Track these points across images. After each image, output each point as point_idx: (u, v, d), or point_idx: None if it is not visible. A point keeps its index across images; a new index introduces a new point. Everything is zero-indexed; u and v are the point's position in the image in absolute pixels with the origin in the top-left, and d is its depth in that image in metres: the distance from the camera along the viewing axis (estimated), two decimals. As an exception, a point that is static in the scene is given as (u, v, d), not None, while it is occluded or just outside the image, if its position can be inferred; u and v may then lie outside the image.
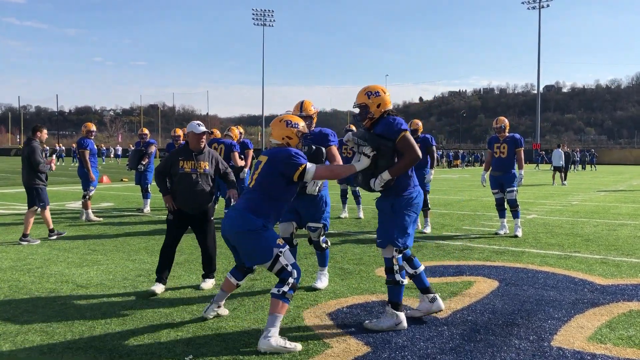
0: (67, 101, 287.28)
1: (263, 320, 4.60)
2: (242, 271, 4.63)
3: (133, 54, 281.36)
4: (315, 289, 5.51)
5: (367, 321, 4.47)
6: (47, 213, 8.64)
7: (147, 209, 12.44)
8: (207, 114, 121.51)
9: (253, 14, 78.88)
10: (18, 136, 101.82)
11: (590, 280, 6.02)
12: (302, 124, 4.47)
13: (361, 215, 11.38)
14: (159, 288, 5.47)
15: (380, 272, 6.37)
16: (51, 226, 8.71)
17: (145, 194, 12.57)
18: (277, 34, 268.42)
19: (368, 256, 7.27)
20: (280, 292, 4.05)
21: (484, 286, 5.72)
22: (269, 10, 79.19)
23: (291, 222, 5.47)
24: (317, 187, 5.19)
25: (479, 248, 7.96)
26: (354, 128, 11.73)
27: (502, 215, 9.33)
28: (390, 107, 4.57)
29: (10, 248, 7.84)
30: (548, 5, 66.66)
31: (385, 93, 4.55)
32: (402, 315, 4.40)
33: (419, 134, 9.53)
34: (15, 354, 3.86)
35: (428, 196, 9.56)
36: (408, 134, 4.36)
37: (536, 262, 6.93)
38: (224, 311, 4.75)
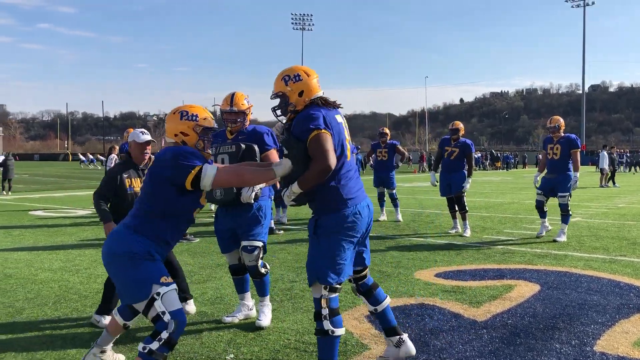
0: (112, 107, 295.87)
1: (302, 321, 4.66)
2: (132, 309, 3.45)
3: (176, 60, 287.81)
4: (260, 328, 4.46)
5: None
6: None
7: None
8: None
9: (292, 19, 79.52)
10: (66, 142, 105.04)
11: (636, 284, 5.87)
12: (204, 115, 3.45)
13: (399, 218, 11.33)
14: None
15: (420, 275, 6.36)
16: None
17: None
18: (316, 37, 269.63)
19: (407, 259, 7.26)
20: (146, 350, 3.04)
21: (525, 290, 5.65)
22: (307, 15, 79.75)
23: (233, 250, 4.64)
24: (253, 193, 4.25)
25: (520, 251, 7.84)
26: (387, 131, 11.53)
27: (542, 215, 9.14)
28: (319, 93, 3.43)
29: (61, 250, 8.15)
30: (593, 3, 64.92)
31: (309, 76, 3.43)
32: None
33: (460, 136, 9.46)
34: (66, 351, 4.03)
35: (465, 199, 9.46)
36: (323, 134, 3.18)
37: (579, 266, 6.79)
38: (109, 356, 3.69)
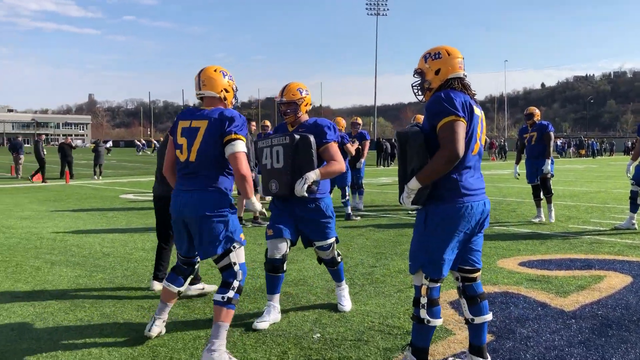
0: (191, 96, 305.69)
1: (385, 305, 4.74)
2: (182, 274, 3.94)
3: (253, 48, 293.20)
4: (343, 311, 4.56)
5: None
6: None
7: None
8: (321, 105, 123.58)
9: (367, 4, 78.89)
10: (149, 129, 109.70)
11: None
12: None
13: None
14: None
15: (503, 263, 6.26)
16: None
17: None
18: (391, 22, 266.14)
19: (488, 247, 7.14)
20: (225, 299, 3.55)
21: (616, 281, 5.44)
22: (382, 0, 78.81)
23: (285, 240, 4.27)
24: (306, 186, 3.99)
25: (609, 242, 7.53)
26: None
27: (633, 209, 8.69)
28: (458, 74, 3.23)
29: (152, 231, 8.61)
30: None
31: (450, 55, 3.24)
32: None
33: (535, 120, 9.30)
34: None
35: (551, 182, 9.23)
36: (458, 121, 3.01)
37: (676, 258, 6.45)
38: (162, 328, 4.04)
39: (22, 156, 21.71)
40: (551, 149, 9.14)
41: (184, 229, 3.75)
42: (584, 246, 7.24)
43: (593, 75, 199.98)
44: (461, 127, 3.01)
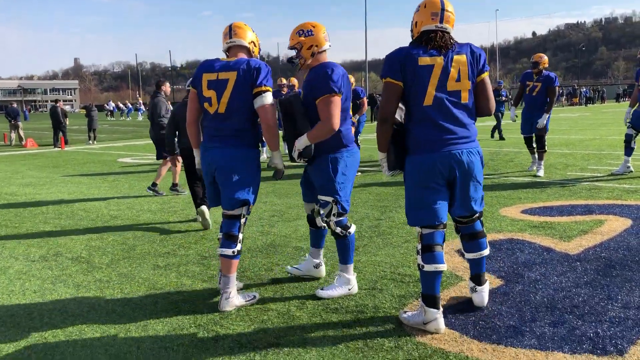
0: (178, 56, 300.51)
1: (394, 255, 4.87)
2: (231, 237, 3.81)
3: (240, 5, 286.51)
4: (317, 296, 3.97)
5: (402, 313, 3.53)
6: (177, 166, 8.46)
7: (264, 156, 13.06)
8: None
9: (354, -44, 76.88)
10: (137, 92, 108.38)
11: None
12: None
13: None
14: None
15: (505, 212, 6.40)
16: (177, 180, 8.60)
17: (264, 143, 13.13)
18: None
19: (490, 197, 7.27)
20: (235, 253, 3.77)
21: (617, 224, 5.59)
22: (370, -49, 76.85)
23: (308, 203, 4.27)
24: (296, 153, 3.81)
25: (607, 187, 7.67)
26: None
27: (628, 153, 8.80)
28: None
29: (152, 193, 8.69)
30: None
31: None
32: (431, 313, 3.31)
33: (542, 69, 9.05)
34: (182, 281, 4.42)
35: (546, 137, 9.14)
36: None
37: (673, 201, 6.60)
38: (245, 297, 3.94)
39: (19, 123, 21.44)
40: (553, 104, 8.99)
41: (214, 183, 3.89)
42: (583, 192, 7.39)
43: (584, 22, 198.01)
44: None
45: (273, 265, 4.73)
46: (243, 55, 3.88)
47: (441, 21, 3.27)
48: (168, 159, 8.46)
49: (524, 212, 6.37)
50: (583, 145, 13.64)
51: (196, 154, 4.04)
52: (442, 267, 3.32)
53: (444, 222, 3.36)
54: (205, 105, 3.83)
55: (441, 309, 3.37)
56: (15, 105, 23.07)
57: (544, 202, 6.89)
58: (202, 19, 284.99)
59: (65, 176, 11.11)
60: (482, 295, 3.67)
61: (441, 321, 3.32)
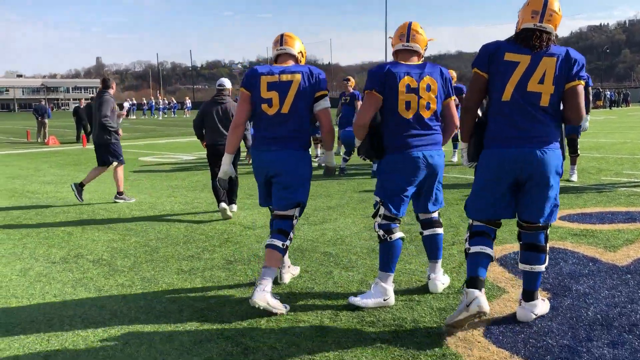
0: (198, 56, 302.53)
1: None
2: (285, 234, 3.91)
3: (261, 6, 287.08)
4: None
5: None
6: (121, 171, 7.99)
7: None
8: (329, 63, 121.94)
9: (375, -44, 76.63)
10: (158, 91, 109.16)
11: None
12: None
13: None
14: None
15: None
16: (121, 189, 7.95)
17: None
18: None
19: (524, 202, 6.96)
20: (284, 246, 3.80)
21: (664, 234, 5.28)
22: (391, -49, 76.50)
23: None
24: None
25: (647, 194, 7.33)
26: None
27: None
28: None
29: (177, 193, 8.53)
30: None
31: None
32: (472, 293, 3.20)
33: None
34: (207, 287, 4.22)
35: (578, 140, 8.79)
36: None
37: None
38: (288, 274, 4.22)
39: (46, 121, 21.45)
40: (589, 104, 8.55)
41: (267, 183, 3.99)
42: (622, 199, 7.05)
43: (607, 24, 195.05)
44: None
45: (302, 272, 4.50)
46: (292, 63, 4.00)
47: (541, 20, 3.19)
48: (115, 164, 7.92)
49: (562, 218, 6.07)
50: (614, 149, 13.22)
51: (228, 159, 4.05)
52: (488, 250, 3.34)
53: (500, 222, 3.42)
54: (264, 106, 3.85)
55: (483, 290, 3.24)
56: (43, 102, 23.15)
57: (581, 208, 6.58)
58: (223, 19, 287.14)
59: (86, 174, 10.99)
60: (528, 313, 3.41)
61: (483, 300, 3.17)
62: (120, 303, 3.94)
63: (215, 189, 6.72)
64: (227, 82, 7.04)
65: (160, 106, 49.86)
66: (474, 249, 3.35)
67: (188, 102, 54.25)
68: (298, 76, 3.83)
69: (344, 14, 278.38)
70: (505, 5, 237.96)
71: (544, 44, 3.17)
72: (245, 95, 3.91)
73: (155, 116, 48.41)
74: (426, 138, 3.66)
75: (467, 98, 3.40)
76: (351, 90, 12.92)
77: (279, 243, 3.77)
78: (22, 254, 5.27)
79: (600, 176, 8.95)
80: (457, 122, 3.83)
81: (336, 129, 14.01)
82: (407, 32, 3.71)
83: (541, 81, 3.16)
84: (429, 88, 3.61)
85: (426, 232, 3.97)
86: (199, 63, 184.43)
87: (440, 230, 3.96)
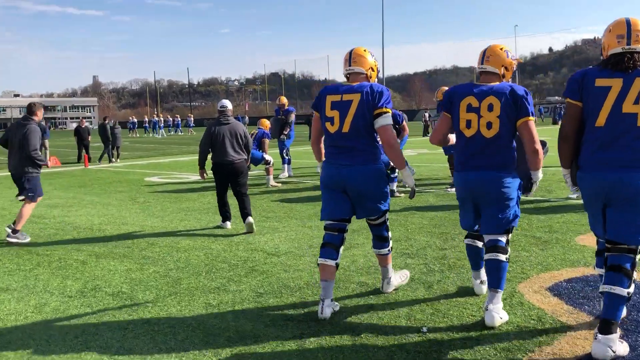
0: (195, 74, 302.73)
1: (475, 293, 4.29)
2: (334, 246, 4.12)
3: (258, 24, 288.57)
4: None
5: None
6: (30, 209, 6.91)
7: (285, 174, 12.64)
8: (326, 79, 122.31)
9: (372, -27, 77.15)
10: (155, 109, 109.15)
11: None
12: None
13: None
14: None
15: (583, 241, 5.79)
16: (19, 226, 6.76)
17: (284, 160, 12.73)
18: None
19: (557, 223, 6.67)
20: (389, 250, 4.36)
21: None
22: (388, -32, 77.06)
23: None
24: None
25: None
26: None
27: None
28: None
29: (190, 216, 8.19)
30: None
31: None
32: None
33: None
34: (241, 325, 3.88)
35: None
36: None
37: None
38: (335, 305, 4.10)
39: (46, 141, 21.07)
40: None
41: (339, 195, 4.08)
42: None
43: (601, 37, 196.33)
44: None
45: (341, 308, 4.16)
46: (363, 81, 4.08)
47: (628, 43, 3.20)
48: (24, 198, 6.85)
49: (604, 241, 5.75)
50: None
51: (320, 167, 4.34)
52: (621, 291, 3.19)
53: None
54: (327, 124, 4.04)
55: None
56: (43, 122, 22.78)
57: (620, 229, 6.26)
58: (220, 36, 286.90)
59: (93, 197, 10.68)
60: (605, 349, 3.10)
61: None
62: (149, 345, 3.60)
63: (223, 207, 7.19)
64: (228, 104, 7.38)
65: (162, 124, 49.53)
66: (598, 270, 3.63)
67: (191, 119, 53.96)
68: (358, 95, 3.92)
69: (343, 31, 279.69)
70: (499, 20, 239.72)
71: (638, 63, 3.16)
72: (315, 116, 4.19)
73: (157, 135, 48.06)
74: None
75: (563, 127, 3.41)
76: None
77: (385, 250, 4.33)
78: (35, 287, 4.93)
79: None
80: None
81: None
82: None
83: (636, 102, 3.12)
84: None
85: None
86: (196, 80, 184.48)
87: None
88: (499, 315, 3.65)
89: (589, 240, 5.79)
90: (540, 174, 3.80)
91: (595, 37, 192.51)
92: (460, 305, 4.09)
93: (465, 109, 3.72)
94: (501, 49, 3.85)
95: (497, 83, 3.75)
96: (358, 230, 6.69)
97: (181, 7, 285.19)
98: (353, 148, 3.95)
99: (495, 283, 3.69)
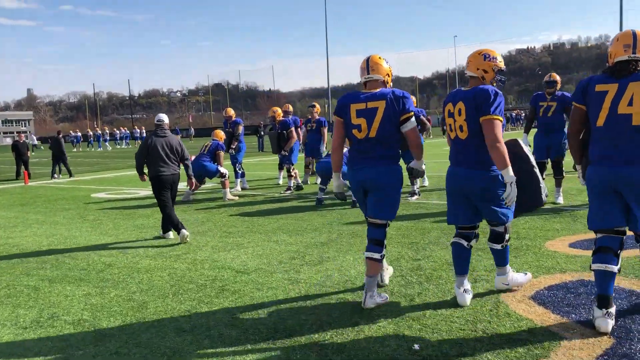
0: (136, 85, 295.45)
1: (455, 303, 4.18)
2: (378, 243, 4.34)
3: (199, 34, 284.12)
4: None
5: None
6: None
7: (238, 188, 12.20)
8: (270, 89, 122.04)
9: (314, -16, 77.75)
10: (95, 122, 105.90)
11: None
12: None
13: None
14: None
15: (552, 246, 5.83)
16: None
17: (237, 174, 12.25)
18: (339, 1, 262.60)
19: (524, 229, 6.70)
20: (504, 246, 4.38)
21: (687, 259, 5.06)
22: (330, -21, 77.80)
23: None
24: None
25: None
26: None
27: None
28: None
29: (146, 233, 7.80)
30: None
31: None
32: None
33: (557, 88, 8.57)
34: (220, 352, 3.62)
35: (563, 161, 8.67)
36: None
37: None
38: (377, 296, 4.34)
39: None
40: None
41: (364, 195, 4.39)
42: (620, 221, 6.88)
43: (534, 47, 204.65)
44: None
45: (327, 325, 3.95)
46: (381, 87, 4.34)
47: (634, 51, 3.57)
48: None
49: (573, 245, 5.80)
50: (578, 168, 13.33)
51: (335, 177, 4.52)
52: (611, 268, 3.58)
53: (617, 229, 3.64)
54: (354, 131, 4.29)
55: (611, 309, 3.56)
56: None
57: (585, 233, 6.34)
58: (161, 47, 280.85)
59: (38, 216, 10.04)
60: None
61: (607, 321, 3.52)
62: (122, 379, 3.29)
63: (169, 218, 7.13)
64: (165, 117, 7.62)
65: (107, 137, 47.86)
66: (595, 266, 3.66)
67: (139, 131, 52.16)
68: (383, 102, 4.20)
69: (286, 41, 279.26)
70: (439, 31, 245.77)
71: (633, 70, 3.55)
72: (339, 122, 4.39)
73: (102, 148, 46.41)
74: None
75: (570, 127, 3.89)
76: (317, 117, 12.58)
77: (377, 256, 4.26)
78: (-17, 319, 4.49)
79: (584, 197, 8.84)
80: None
81: (301, 155, 13.63)
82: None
83: (629, 103, 3.49)
84: None
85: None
86: (137, 92, 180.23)
87: (497, 246, 4.35)
88: (500, 282, 4.44)
89: (558, 246, 5.82)
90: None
91: (528, 47, 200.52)
92: (447, 318, 3.96)
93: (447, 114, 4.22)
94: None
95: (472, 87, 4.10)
96: (327, 243, 6.52)
97: (117, 17, 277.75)
98: (378, 152, 4.24)
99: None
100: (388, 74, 4.42)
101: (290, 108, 12.90)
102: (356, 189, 4.40)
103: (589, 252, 5.44)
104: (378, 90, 4.28)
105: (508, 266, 4.44)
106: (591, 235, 6.21)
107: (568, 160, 8.35)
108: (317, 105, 12.90)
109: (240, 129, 12.19)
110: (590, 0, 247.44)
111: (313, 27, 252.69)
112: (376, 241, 4.29)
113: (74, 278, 5.59)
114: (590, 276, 4.71)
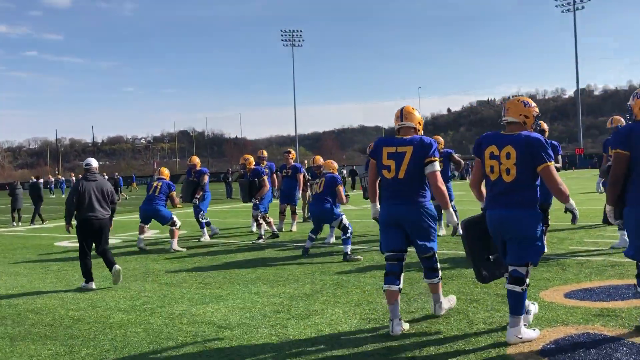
0: (99, 132, 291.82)
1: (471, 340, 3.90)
2: (395, 274, 4.76)
3: (164, 81, 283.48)
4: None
5: None
6: None
7: (206, 237, 11.59)
8: (237, 137, 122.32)
9: (282, 35, 79.40)
10: (57, 168, 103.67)
11: None
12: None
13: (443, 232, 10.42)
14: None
15: (547, 296, 5.64)
16: None
17: (202, 224, 11.63)
18: (306, 53, 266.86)
19: (513, 278, 6.50)
20: (439, 278, 4.97)
21: (687, 309, 4.92)
22: (297, 31, 79.75)
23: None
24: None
25: (628, 263, 7.09)
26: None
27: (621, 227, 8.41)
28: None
29: (115, 284, 7.31)
30: (583, 7, 65.47)
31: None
32: None
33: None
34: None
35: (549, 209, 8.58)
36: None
37: None
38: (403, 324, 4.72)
39: None
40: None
41: (394, 229, 4.80)
42: (608, 270, 6.79)
43: (494, 99, 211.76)
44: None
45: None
46: (413, 134, 4.84)
47: None
48: None
49: (568, 296, 5.63)
50: (553, 216, 13.38)
51: (372, 206, 5.05)
52: None
53: None
54: (384, 172, 4.78)
55: None
56: None
57: (577, 283, 6.19)
58: (124, 94, 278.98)
59: (-4, 266, 9.41)
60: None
61: None
62: None
63: (86, 265, 7.16)
64: (93, 161, 7.69)
65: (71, 184, 46.58)
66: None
67: (104, 176, 50.91)
68: (411, 148, 4.65)
69: (251, 90, 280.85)
70: (404, 82, 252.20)
71: None
72: (372, 163, 4.93)
73: (65, 195, 44.99)
74: None
75: (614, 171, 4.23)
76: (292, 163, 12.40)
77: (436, 279, 4.93)
78: None
79: (567, 246, 8.79)
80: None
81: (276, 201, 13.27)
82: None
83: None
84: None
85: None
86: (100, 139, 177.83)
87: (518, 288, 4.31)
88: (513, 335, 4.22)
89: (554, 296, 5.65)
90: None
91: (488, 99, 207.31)
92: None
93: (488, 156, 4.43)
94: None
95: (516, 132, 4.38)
96: (312, 294, 6.19)
97: (83, 64, 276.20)
98: (407, 191, 4.67)
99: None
100: (419, 122, 4.91)
101: (265, 153, 12.70)
102: (386, 222, 4.83)
103: (587, 303, 5.32)
104: (409, 136, 4.76)
105: (522, 316, 4.25)
106: (584, 284, 6.08)
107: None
108: (293, 152, 12.76)
109: (206, 178, 11.70)
110: (548, 53, 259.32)
111: (280, 77, 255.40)
112: (393, 273, 4.74)
113: (38, 335, 5.11)
114: (595, 329, 4.52)
